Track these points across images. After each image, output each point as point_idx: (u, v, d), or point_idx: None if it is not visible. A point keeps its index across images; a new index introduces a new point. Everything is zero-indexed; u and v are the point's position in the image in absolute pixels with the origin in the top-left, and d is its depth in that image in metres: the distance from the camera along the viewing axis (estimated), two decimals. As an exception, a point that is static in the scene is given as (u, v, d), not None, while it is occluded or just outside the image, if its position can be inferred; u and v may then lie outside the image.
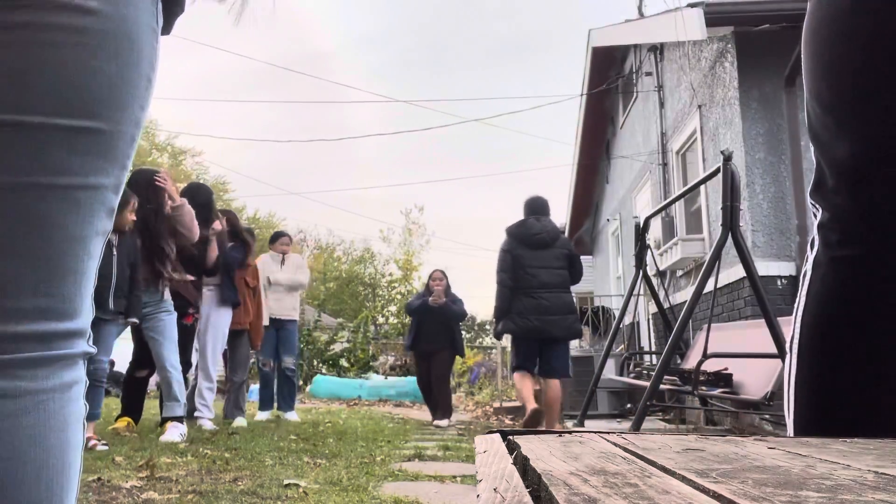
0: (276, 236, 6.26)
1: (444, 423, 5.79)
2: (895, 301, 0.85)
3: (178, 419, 3.91)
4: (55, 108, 0.59)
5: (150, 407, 5.27)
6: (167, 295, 4.03)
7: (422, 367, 6.21)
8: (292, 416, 5.80)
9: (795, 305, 0.92)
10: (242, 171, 36.83)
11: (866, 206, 0.84)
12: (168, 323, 3.96)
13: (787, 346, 0.93)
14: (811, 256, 0.91)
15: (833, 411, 0.85)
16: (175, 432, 3.80)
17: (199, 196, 4.51)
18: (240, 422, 4.98)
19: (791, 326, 0.92)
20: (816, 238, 0.90)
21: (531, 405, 4.41)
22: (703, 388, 3.80)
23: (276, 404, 5.82)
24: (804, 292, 0.90)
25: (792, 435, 0.86)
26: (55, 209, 0.61)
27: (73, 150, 0.61)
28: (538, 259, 4.59)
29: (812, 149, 0.92)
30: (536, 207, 4.78)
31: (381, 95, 43.84)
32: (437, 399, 6.00)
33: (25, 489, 0.60)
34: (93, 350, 0.69)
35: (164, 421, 3.99)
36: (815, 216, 0.91)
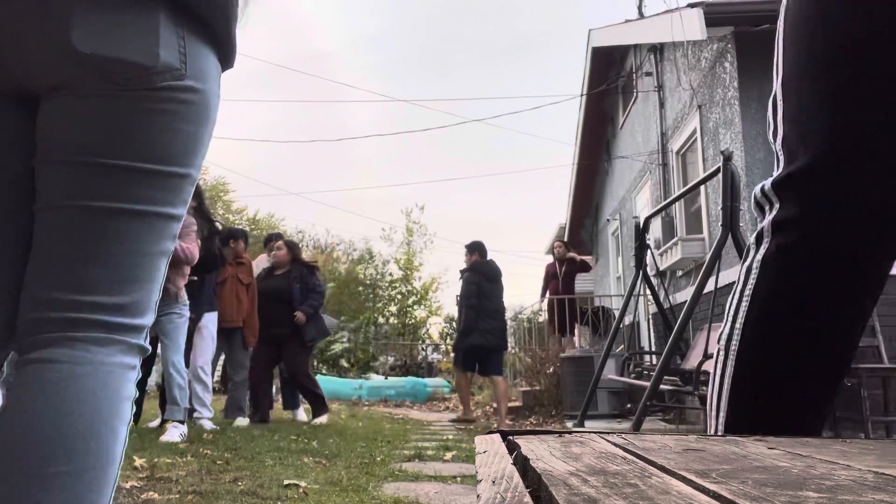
0: (269, 239, 6.10)
1: (322, 419, 5.30)
2: (861, 306, 0.85)
3: (180, 420, 3.93)
4: (145, 157, 0.79)
5: (152, 407, 5.27)
6: (182, 296, 4.05)
7: (262, 357, 5.34)
8: (300, 414, 5.81)
9: (732, 303, 0.90)
10: (242, 171, 36.84)
11: (845, 201, 0.81)
12: (177, 326, 3.99)
13: (720, 344, 0.90)
14: (758, 254, 0.87)
15: (773, 412, 0.84)
16: (175, 432, 3.81)
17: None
18: (241, 422, 4.98)
19: (726, 326, 0.90)
20: (767, 235, 0.87)
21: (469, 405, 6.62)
22: (704, 388, 3.80)
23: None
24: (749, 291, 0.87)
25: (721, 433, 0.85)
26: (132, 229, 0.79)
27: (152, 187, 0.80)
28: (495, 290, 6.10)
29: (778, 137, 0.88)
30: (486, 250, 6.31)
31: (381, 95, 43.85)
32: (306, 395, 5.44)
33: (79, 441, 0.73)
34: (148, 348, 0.84)
35: (164, 420, 4.02)
36: (767, 211, 0.88)
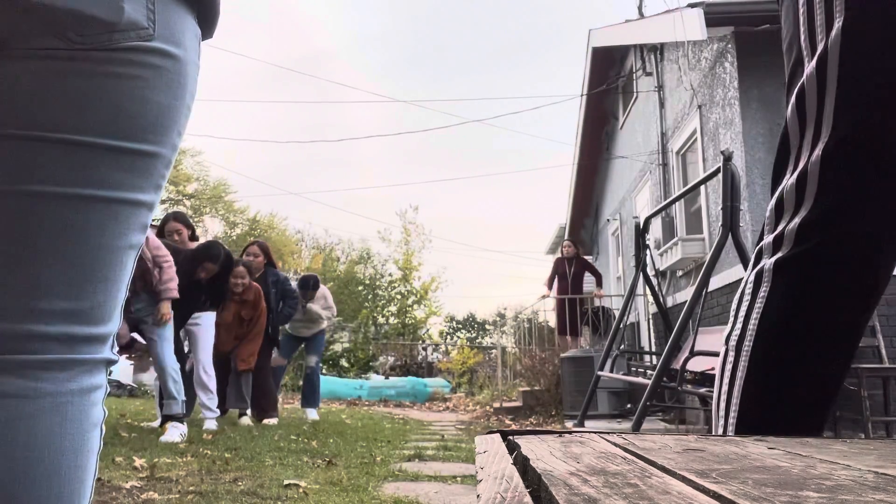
0: (301, 286, 5.98)
1: (272, 421, 5.19)
2: (872, 307, 0.86)
3: (178, 419, 3.91)
4: (107, 131, 0.65)
5: (151, 407, 5.27)
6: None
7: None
8: (311, 413, 5.79)
9: (742, 305, 0.90)
10: (243, 171, 36.83)
11: (870, 204, 0.81)
12: (159, 324, 3.95)
13: (728, 344, 0.90)
14: (773, 258, 0.87)
15: (785, 412, 0.85)
16: (175, 433, 3.80)
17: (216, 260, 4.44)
18: (244, 420, 4.99)
19: (735, 327, 0.90)
20: (788, 240, 0.86)
21: None
22: (689, 386, 3.81)
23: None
24: (764, 293, 0.87)
25: (732, 433, 0.86)
26: (94, 219, 0.66)
27: (117, 167, 0.67)
28: None
29: (795, 133, 0.88)
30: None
31: (381, 95, 43.80)
32: (259, 396, 5.30)
33: (36, 489, 0.62)
34: (116, 358, 0.72)
35: (164, 420, 4.00)
36: (785, 217, 0.87)
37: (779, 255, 0.87)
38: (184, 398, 4.00)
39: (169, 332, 3.99)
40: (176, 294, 3.93)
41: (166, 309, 3.93)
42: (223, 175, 24.82)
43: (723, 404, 0.89)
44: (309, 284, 6.00)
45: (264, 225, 26.74)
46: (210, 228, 25.51)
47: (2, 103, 0.63)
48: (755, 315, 0.87)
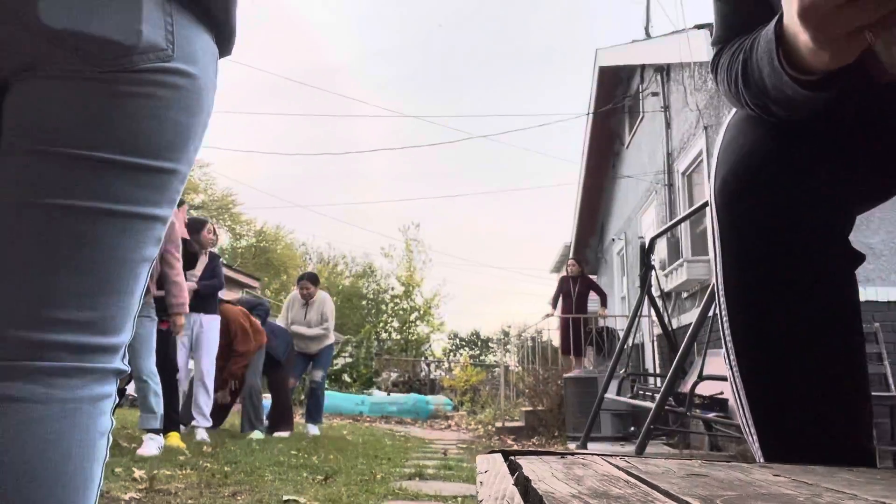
0: (299, 279, 6.28)
1: (284, 434, 5.39)
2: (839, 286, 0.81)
3: (155, 431, 3.70)
4: (126, 149, 0.69)
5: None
6: (148, 300, 3.80)
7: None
8: (312, 429, 5.76)
9: (721, 322, 0.87)
10: (250, 182, 37.07)
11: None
12: (149, 331, 3.77)
13: (728, 363, 0.85)
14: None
15: (801, 420, 0.79)
16: (152, 445, 3.62)
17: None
18: (256, 434, 4.97)
19: (724, 345, 0.86)
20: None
21: None
22: (698, 410, 3.77)
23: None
24: (723, 300, 0.85)
25: (762, 458, 0.83)
26: (109, 232, 0.69)
27: (134, 183, 0.70)
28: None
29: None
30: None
31: (388, 110, 44.12)
32: (276, 413, 5.67)
33: (43, 493, 0.63)
34: (126, 368, 0.74)
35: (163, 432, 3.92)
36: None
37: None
38: (162, 412, 3.76)
39: (149, 339, 3.77)
40: (187, 310, 3.90)
41: (182, 321, 3.87)
42: (230, 185, 24.96)
43: (745, 430, 0.85)
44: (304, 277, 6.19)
45: (270, 237, 26.82)
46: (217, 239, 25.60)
47: (29, 120, 0.67)
48: (726, 325, 0.83)
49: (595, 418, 5.43)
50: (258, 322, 5.31)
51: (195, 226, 4.67)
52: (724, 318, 0.85)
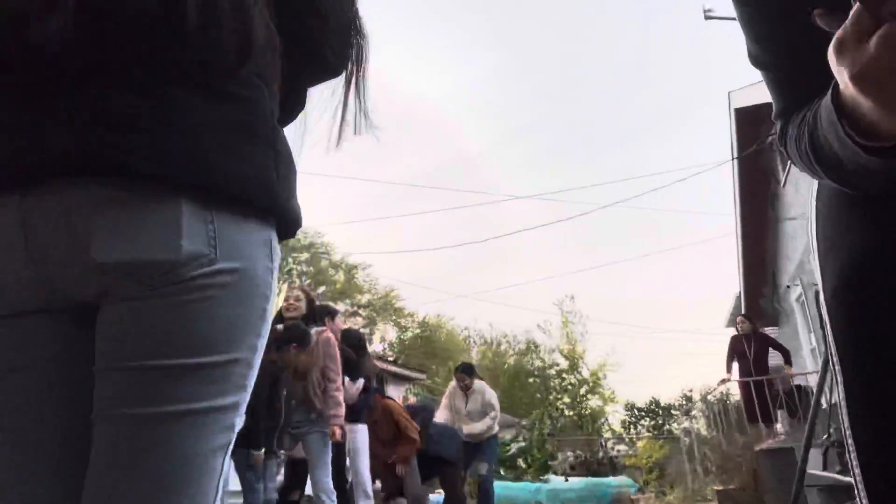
0: (455, 370, 6.31)
1: None
2: None
3: None
4: (182, 353, 0.72)
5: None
6: (320, 413, 3.97)
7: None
8: None
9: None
10: (406, 277, 38.98)
11: None
12: (327, 443, 3.90)
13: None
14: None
15: None
16: None
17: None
18: None
19: None
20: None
21: None
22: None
23: None
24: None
25: None
26: (178, 431, 0.71)
27: (194, 381, 0.72)
28: None
29: None
30: None
31: (523, 193, 44.68)
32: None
33: None
34: None
35: None
36: None
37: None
38: None
39: (328, 453, 3.92)
40: (343, 421, 4.11)
41: (339, 432, 4.02)
42: (390, 283, 26.50)
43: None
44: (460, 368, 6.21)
45: (433, 326, 27.76)
46: (384, 334, 27.02)
47: (103, 341, 0.74)
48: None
49: (798, 497, 4.76)
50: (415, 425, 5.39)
51: (346, 339, 4.95)
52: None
